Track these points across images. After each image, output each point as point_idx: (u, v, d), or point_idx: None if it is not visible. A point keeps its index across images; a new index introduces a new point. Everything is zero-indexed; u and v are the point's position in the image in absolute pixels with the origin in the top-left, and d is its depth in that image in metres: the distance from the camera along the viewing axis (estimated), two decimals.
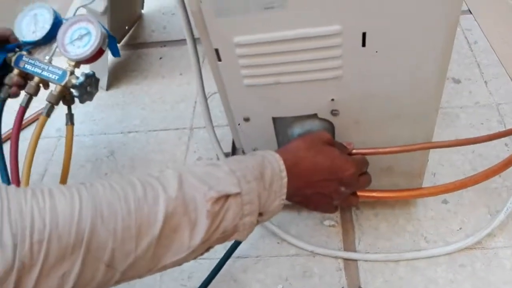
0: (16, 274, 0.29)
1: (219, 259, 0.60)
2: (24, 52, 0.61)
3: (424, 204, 0.66)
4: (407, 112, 0.49)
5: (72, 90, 0.60)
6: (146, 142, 0.84)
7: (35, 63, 0.60)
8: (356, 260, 0.62)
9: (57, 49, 0.61)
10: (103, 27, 0.60)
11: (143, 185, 0.35)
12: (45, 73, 0.59)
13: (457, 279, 0.58)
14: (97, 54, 0.60)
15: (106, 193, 0.33)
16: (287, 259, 0.63)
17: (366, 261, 0.61)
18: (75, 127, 0.66)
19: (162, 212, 0.34)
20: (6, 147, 0.60)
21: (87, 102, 0.63)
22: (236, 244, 0.59)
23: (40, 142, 0.61)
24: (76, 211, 0.31)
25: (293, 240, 0.64)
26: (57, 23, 0.61)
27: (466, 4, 0.97)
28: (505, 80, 0.82)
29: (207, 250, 0.39)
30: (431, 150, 0.57)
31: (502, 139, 0.72)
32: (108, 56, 0.90)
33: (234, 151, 0.71)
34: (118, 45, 0.82)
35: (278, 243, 0.65)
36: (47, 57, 0.61)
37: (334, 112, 0.50)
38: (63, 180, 0.62)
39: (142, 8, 1.11)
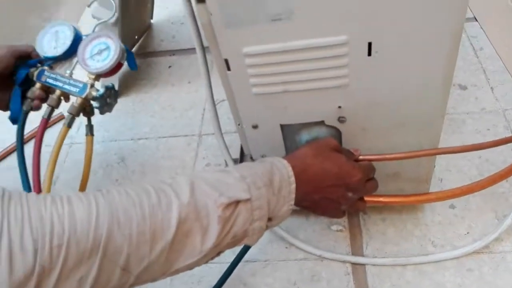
0: (37, 278, 0.30)
1: (228, 263, 0.61)
2: (45, 67, 0.64)
3: (432, 209, 0.67)
4: (413, 119, 0.50)
5: (93, 102, 0.63)
6: (156, 148, 0.85)
7: (57, 77, 0.63)
8: (364, 265, 0.62)
9: (77, 64, 0.64)
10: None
11: (156, 192, 0.36)
12: (66, 86, 0.62)
13: (465, 283, 0.58)
14: (116, 67, 0.63)
15: (122, 199, 0.35)
16: (295, 264, 0.64)
17: (374, 265, 0.62)
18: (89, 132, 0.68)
19: (175, 218, 0.35)
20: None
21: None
22: (246, 248, 0.60)
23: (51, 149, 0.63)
24: (93, 217, 0.33)
25: (301, 245, 0.65)
26: (77, 39, 0.64)
27: (472, 12, 0.98)
28: (511, 86, 0.83)
29: (218, 254, 0.40)
30: (437, 156, 0.57)
31: (509, 144, 0.72)
32: None
33: (242, 157, 0.72)
34: None
35: (286, 247, 0.66)
36: (67, 72, 0.64)
37: (341, 119, 0.51)
38: (82, 188, 0.64)
39: (152, 18, 1.13)
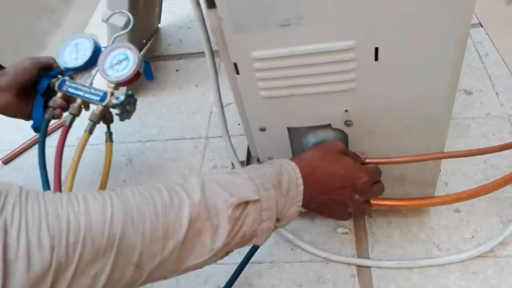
0: (53, 273, 0.31)
1: (234, 264, 0.62)
2: (66, 78, 0.67)
3: (437, 212, 0.67)
4: (419, 123, 0.51)
5: (113, 109, 0.66)
6: (163, 150, 0.86)
7: (78, 87, 0.66)
8: (369, 267, 0.63)
9: (97, 74, 0.67)
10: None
11: (169, 192, 0.37)
12: (87, 95, 0.66)
13: (470, 286, 0.59)
14: (135, 77, 0.66)
15: (136, 198, 0.36)
16: (301, 265, 0.65)
17: (379, 268, 0.62)
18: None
19: (187, 217, 0.36)
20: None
21: None
22: (254, 250, 0.61)
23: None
24: (108, 215, 0.34)
25: (307, 247, 0.66)
26: (96, 51, 0.67)
27: (477, 18, 0.99)
28: None
29: (227, 254, 0.41)
30: (443, 160, 0.58)
31: None
32: None
33: (249, 159, 0.73)
34: None
35: (292, 249, 0.67)
36: (88, 81, 0.67)
37: (347, 123, 0.52)
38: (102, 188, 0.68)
39: (159, 23, 1.15)
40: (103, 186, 0.67)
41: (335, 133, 0.54)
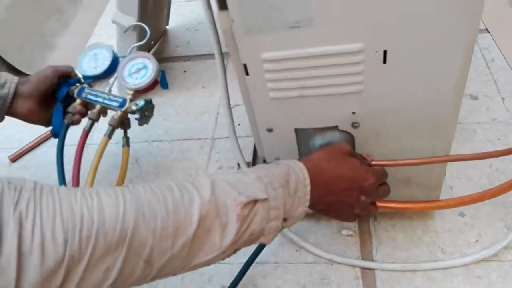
0: (66, 267, 0.32)
1: (238, 264, 0.63)
2: (85, 85, 0.71)
3: (441, 216, 0.67)
4: (425, 126, 0.51)
5: (133, 114, 0.69)
6: (169, 150, 0.87)
7: (97, 94, 0.70)
8: (373, 269, 0.63)
9: (115, 82, 0.71)
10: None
11: (179, 189, 0.38)
12: (107, 101, 0.69)
13: None
14: (153, 84, 0.70)
15: (147, 195, 0.36)
16: (305, 267, 0.65)
17: (383, 270, 0.63)
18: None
19: (197, 215, 0.37)
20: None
21: None
22: (259, 250, 0.61)
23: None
24: (120, 210, 0.34)
25: (312, 248, 0.66)
26: (115, 60, 0.71)
27: (484, 24, 0.99)
28: None
29: (235, 251, 0.42)
30: (448, 163, 0.58)
31: None
32: None
33: (255, 160, 0.74)
34: None
35: (296, 250, 0.67)
36: (106, 89, 0.70)
37: (354, 125, 0.52)
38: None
39: (167, 24, 1.15)
40: (120, 182, 0.70)
41: (342, 135, 0.54)
